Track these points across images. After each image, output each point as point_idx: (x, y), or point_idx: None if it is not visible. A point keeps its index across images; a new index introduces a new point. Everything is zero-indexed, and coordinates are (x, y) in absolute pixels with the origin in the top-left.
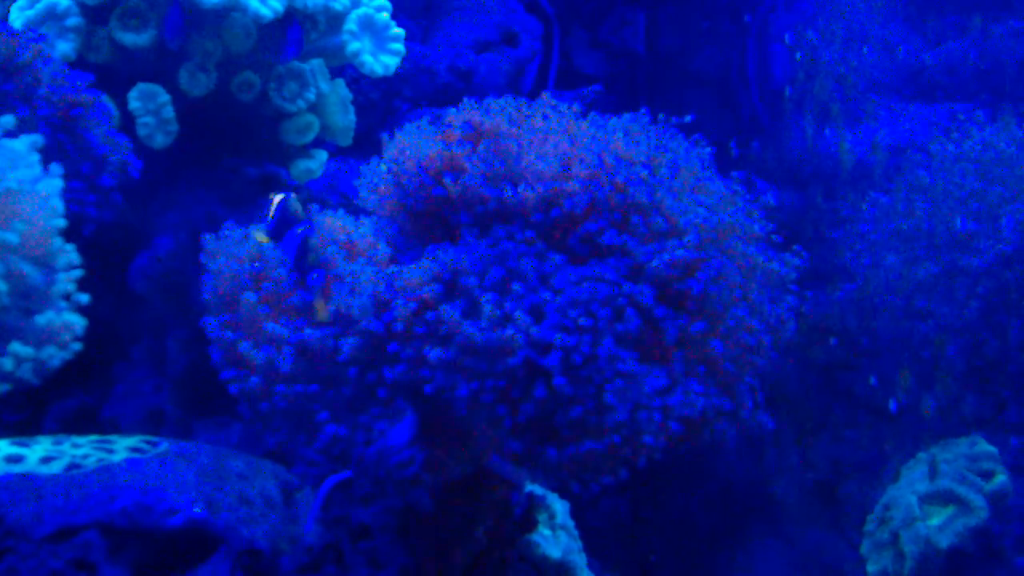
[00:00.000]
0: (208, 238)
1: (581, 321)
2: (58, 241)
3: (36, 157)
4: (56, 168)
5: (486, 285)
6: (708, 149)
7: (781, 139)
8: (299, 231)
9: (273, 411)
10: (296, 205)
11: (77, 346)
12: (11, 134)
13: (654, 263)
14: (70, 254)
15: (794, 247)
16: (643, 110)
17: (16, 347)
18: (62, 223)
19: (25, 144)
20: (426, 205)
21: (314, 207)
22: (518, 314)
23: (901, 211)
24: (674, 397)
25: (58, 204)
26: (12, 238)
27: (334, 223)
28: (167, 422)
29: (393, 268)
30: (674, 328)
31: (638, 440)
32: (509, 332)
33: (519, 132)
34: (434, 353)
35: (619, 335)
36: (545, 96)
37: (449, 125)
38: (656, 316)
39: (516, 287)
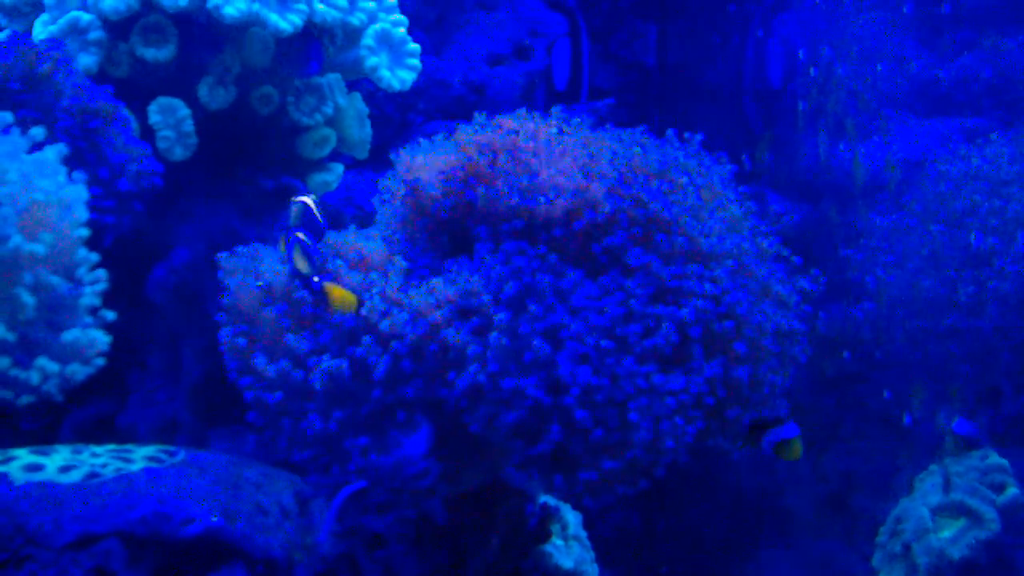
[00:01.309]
0: (224, 256)
1: (603, 343)
2: (82, 251)
3: (63, 167)
4: (79, 176)
5: (501, 302)
6: (729, 167)
7: (794, 153)
8: (289, 239)
9: (295, 428)
10: (298, 207)
11: (101, 362)
12: (39, 145)
13: (700, 304)
14: (96, 268)
15: (812, 271)
16: (657, 125)
17: (43, 362)
18: (86, 232)
19: (53, 154)
20: (442, 219)
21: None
22: (534, 345)
23: (914, 227)
24: (692, 387)
25: (82, 213)
26: (40, 249)
27: (345, 239)
28: (182, 431)
29: (412, 289)
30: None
31: (659, 447)
32: (514, 382)
33: (537, 146)
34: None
35: (646, 352)
36: (558, 112)
37: (464, 142)
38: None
39: (533, 308)
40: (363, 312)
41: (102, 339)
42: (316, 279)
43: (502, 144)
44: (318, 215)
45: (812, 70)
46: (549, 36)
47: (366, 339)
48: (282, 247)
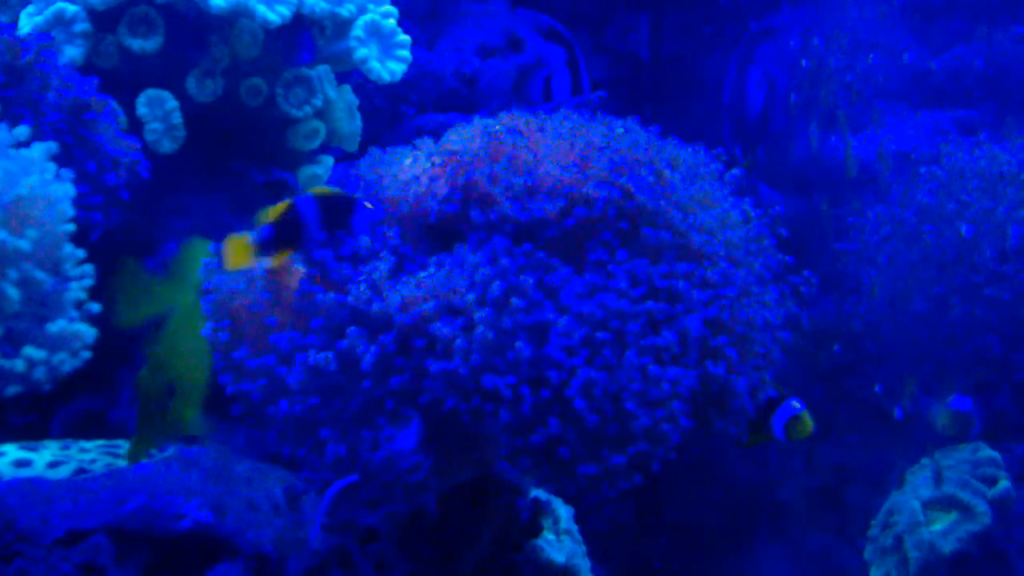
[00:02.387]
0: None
1: (598, 334)
2: (68, 247)
3: (51, 164)
4: (66, 172)
5: (487, 300)
6: (737, 170)
7: (787, 145)
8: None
9: (275, 419)
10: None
11: (87, 354)
12: (24, 142)
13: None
14: (83, 263)
15: (804, 272)
16: (649, 118)
17: (29, 350)
18: (71, 228)
19: (40, 151)
20: (433, 223)
21: None
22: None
23: (907, 220)
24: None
25: (67, 209)
26: (25, 245)
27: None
28: None
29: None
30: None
31: (657, 436)
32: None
33: (532, 144)
34: (434, 369)
35: (645, 349)
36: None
37: (451, 153)
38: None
39: (516, 303)
40: (349, 300)
41: (88, 332)
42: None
43: (499, 150)
44: (318, 214)
45: (803, 61)
46: (543, 27)
47: (352, 330)
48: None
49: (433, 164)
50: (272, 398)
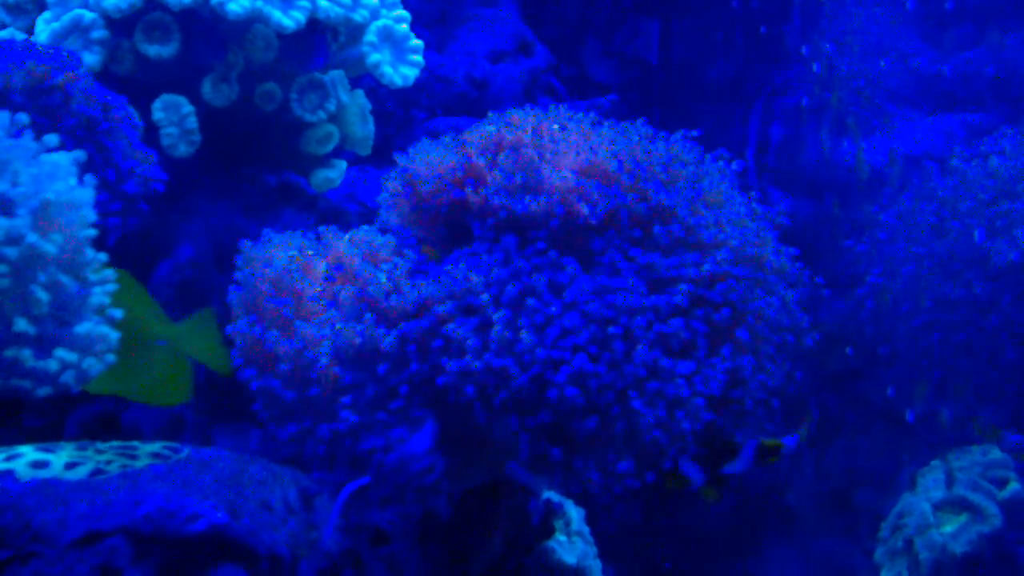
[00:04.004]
0: (246, 244)
1: (611, 329)
2: (90, 251)
3: (74, 168)
4: (90, 179)
5: (501, 301)
6: (734, 165)
7: (797, 149)
8: None
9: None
10: None
11: (111, 358)
12: (51, 149)
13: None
14: (104, 268)
15: (813, 267)
16: (659, 122)
17: (61, 352)
18: (93, 233)
19: (67, 158)
20: (444, 214)
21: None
22: (523, 335)
23: (918, 223)
24: (699, 375)
25: (89, 214)
26: (51, 249)
27: (355, 235)
28: (187, 428)
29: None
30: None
31: (674, 435)
32: (509, 361)
33: (540, 142)
34: (450, 367)
35: (653, 340)
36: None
37: (467, 142)
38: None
39: (531, 302)
40: (370, 291)
41: (113, 335)
42: None
43: (504, 143)
44: None
45: (815, 66)
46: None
47: (369, 316)
48: None
49: (451, 159)
50: (294, 389)
